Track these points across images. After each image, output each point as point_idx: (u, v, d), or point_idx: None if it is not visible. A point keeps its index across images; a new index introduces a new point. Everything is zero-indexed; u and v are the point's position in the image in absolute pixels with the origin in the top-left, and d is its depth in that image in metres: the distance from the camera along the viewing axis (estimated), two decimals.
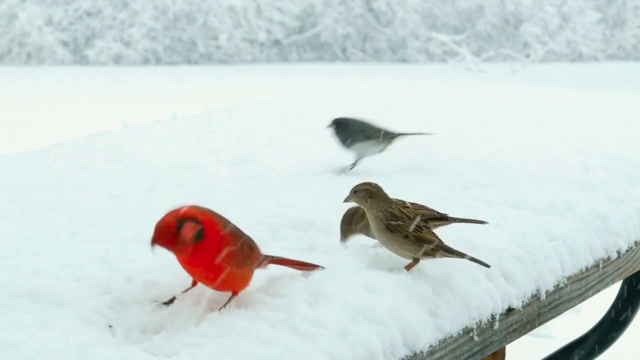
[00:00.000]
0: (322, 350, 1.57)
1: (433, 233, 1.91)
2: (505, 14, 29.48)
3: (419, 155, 2.93)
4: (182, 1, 27.06)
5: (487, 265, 1.90)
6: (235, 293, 1.69)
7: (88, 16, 27.41)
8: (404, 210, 1.92)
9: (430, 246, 1.88)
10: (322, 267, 1.81)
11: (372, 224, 1.92)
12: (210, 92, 17.59)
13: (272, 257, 1.77)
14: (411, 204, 1.97)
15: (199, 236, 1.62)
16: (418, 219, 1.91)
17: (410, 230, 1.89)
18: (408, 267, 1.90)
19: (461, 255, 1.89)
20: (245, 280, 1.70)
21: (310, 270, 1.80)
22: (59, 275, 1.79)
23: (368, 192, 1.93)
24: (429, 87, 17.97)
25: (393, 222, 1.90)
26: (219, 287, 1.68)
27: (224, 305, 1.67)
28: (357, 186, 1.95)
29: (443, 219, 2.03)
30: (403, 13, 28.54)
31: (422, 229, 1.90)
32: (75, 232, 2.10)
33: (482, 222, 2.05)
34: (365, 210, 1.94)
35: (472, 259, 1.89)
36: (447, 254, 1.89)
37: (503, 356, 2.38)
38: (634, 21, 30.06)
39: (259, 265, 1.74)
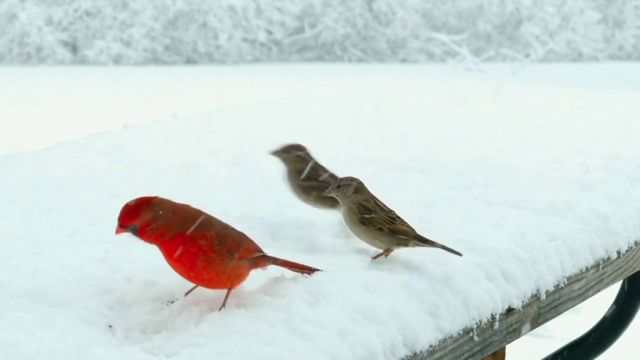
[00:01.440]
0: (322, 350, 1.57)
1: (406, 223, 1.93)
2: (505, 14, 29.48)
3: (419, 155, 2.93)
4: (182, 1, 27.06)
5: (459, 254, 1.89)
6: (230, 289, 1.68)
7: (88, 16, 27.41)
8: (378, 203, 1.95)
9: (404, 237, 1.91)
10: (321, 270, 1.81)
11: (345, 216, 1.96)
12: (210, 92, 17.59)
13: (274, 258, 1.76)
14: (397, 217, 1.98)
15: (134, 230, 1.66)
16: (392, 211, 1.95)
17: (383, 222, 1.92)
18: (376, 257, 1.93)
19: (433, 244, 1.90)
20: (236, 275, 1.69)
21: (309, 273, 1.79)
22: (59, 275, 1.78)
23: (352, 188, 1.97)
24: (429, 87, 17.98)
25: (366, 216, 1.93)
26: (208, 284, 1.68)
27: (223, 304, 1.67)
28: (340, 180, 1.99)
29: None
30: (403, 13, 28.54)
31: (396, 221, 1.93)
32: (75, 232, 2.10)
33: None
34: (341, 203, 1.97)
35: (444, 247, 1.90)
36: (419, 243, 1.91)
37: (503, 356, 2.38)
38: (634, 21, 30.06)
39: (256, 265, 1.73)
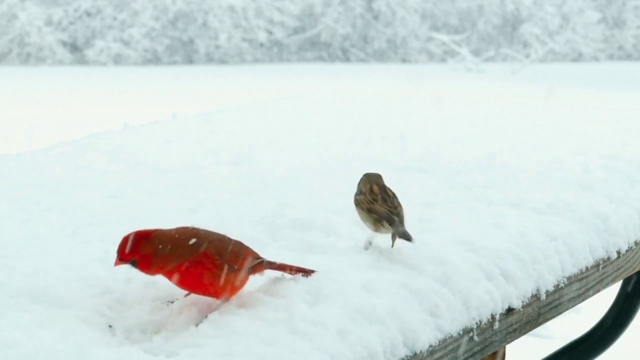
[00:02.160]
0: (322, 350, 1.57)
1: (385, 206, 1.95)
2: (505, 14, 29.48)
3: (419, 155, 2.93)
4: (182, 1, 27.07)
5: (410, 240, 1.90)
6: (227, 299, 1.68)
7: (88, 16, 27.41)
8: (374, 188, 1.98)
9: (376, 216, 1.94)
10: (316, 271, 1.80)
11: None
12: (210, 92, 17.59)
13: (270, 262, 1.76)
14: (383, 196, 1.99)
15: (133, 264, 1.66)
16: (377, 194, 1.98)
17: (365, 202, 1.96)
18: (365, 245, 1.97)
19: (395, 228, 1.92)
20: (236, 286, 1.69)
21: (306, 275, 1.79)
22: (59, 275, 1.78)
23: (360, 181, 2.03)
24: (429, 87, 17.98)
25: (357, 196, 1.99)
26: (214, 295, 1.68)
27: (216, 309, 1.66)
28: None
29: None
30: (403, 13, 28.55)
31: (376, 202, 1.96)
32: (75, 232, 2.10)
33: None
34: None
35: (398, 233, 1.91)
36: (387, 225, 1.93)
37: (503, 356, 2.39)
38: (634, 21, 30.07)
39: (254, 271, 1.73)
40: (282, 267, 1.77)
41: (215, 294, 1.67)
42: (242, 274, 1.69)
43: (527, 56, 27.54)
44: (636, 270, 2.58)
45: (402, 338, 1.70)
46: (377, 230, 1.96)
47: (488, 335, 1.94)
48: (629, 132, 3.46)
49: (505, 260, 2.04)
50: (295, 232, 2.09)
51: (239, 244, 1.72)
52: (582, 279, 2.27)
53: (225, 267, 1.66)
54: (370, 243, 1.98)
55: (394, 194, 2.00)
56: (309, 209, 2.25)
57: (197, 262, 1.65)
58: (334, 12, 28.21)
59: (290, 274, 1.79)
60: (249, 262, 1.70)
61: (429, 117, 3.87)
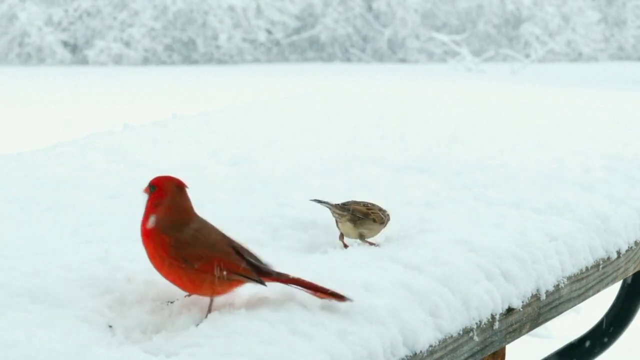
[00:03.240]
0: (322, 350, 1.57)
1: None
2: (505, 14, 29.49)
3: (419, 155, 2.93)
4: (182, 1, 27.07)
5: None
6: (211, 297, 1.67)
7: (88, 16, 27.42)
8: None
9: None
10: (351, 300, 1.69)
11: None
12: (210, 92, 17.60)
13: (280, 274, 1.68)
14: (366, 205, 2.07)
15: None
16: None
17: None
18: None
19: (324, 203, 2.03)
20: (201, 281, 1.65)
21: (336, 300, 1.68)
22: (59, 275, 1.78)
23: None
24: (429, 87, 17.98)
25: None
26: (182, 288, 1.68)
27: (208, 311, 1.65)
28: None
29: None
30: (403, 13, 28.55)
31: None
32: (75, 232, 2.10)
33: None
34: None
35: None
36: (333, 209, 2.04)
37: (503, 356, 2.39)
38: (634, 21, 30.08)
39: (236, 284, 1.67)
40: (299, 283, 1.68)
41: (182, 286, 1.67)
42: (206, 277, 1.65)
43: (527, 56, 27.55)
44: (636, 270, 2.58)
45: (402, 338, 1.70)
46: (341, 230, 2.04)
47: (488, 335, 1.94)
48: (629, 132, 3.46)
49: (505, 260, 2.04)
50: (295, 232, 2.09)
51: (216, 251, 1.67)
52: (582, 279, 2.27)
53: (180, 261, 1.65)
54: (344, 244, 2.04)
55: (368, 205, 2.05)
56: (309, 209, 2.25)
57: (159, 244, 1.66)
58: (334, 12, 28.21)
59: (318, 297, 1.68)
60: (218, 270, 1.65)
61: (429, 117, 3.87)
